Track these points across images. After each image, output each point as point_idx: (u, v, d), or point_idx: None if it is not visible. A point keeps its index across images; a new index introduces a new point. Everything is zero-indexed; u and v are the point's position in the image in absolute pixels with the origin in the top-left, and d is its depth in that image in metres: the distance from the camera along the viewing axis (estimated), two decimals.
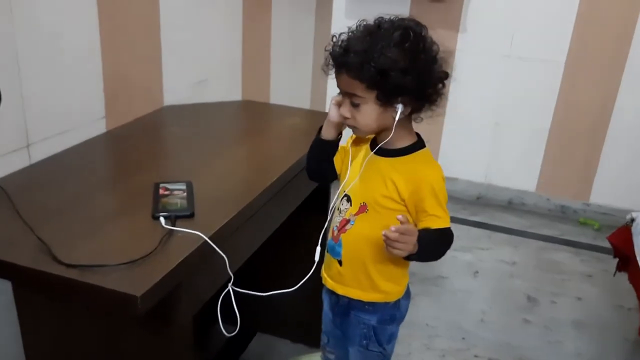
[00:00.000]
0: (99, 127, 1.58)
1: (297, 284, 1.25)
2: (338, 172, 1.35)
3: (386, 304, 1.29)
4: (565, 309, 2.38)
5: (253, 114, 1.93)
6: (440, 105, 1.19)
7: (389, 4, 3.00)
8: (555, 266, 2.70)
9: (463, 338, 2.17)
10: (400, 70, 1.09)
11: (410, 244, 1.10)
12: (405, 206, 1.19)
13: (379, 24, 1.14)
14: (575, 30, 2.83)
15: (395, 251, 1.10)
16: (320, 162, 1.34)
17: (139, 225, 1.15)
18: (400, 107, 1.14)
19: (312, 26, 2.97)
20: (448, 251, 1.23)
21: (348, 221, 1.26)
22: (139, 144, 1.57)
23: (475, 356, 2.09)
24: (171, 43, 1.82)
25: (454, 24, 2.98)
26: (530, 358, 2.08)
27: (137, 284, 0.95)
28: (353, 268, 1.27)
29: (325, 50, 1.18)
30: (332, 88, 2.97)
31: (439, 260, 1.24)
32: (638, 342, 2.19)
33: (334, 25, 3.16)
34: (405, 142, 1.21)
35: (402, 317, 1.34)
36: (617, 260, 2.26)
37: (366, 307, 1.28)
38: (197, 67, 2.01)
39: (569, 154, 3.05)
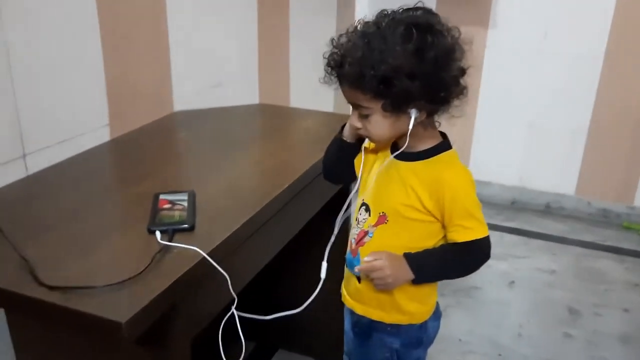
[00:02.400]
0: (102, 136, 1.50)
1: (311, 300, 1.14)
2: (358, 174, 1.24)
3: (411, 325, 1.15)
4: (610, 321, 2.20)
5: (267, 118, 1.82)
6: (462, 105, 1.05)
7: (411, 2, 2.84)
8: (598, 275, 2.51)
9: (499, 354, 2.01)
10: (405, 75, 0.95)
11: (385, 279, 1.07)
12: (432, 215, 1.06)
13: (377, 22, 1.00)
14: (614, 21, 2.65)
15: (379, 287, 1.10)
16: (337, 163, 1.22)
17: (134, 241, 1.05)
18: (414, 113, 1.00)
19: (334, 26, 2.85)
20: None
21: (366, 233, 1.13)
22: (144, 152, 1.48)
23: None
24: (180, 45, 1.73)
25: (484, 20, 2.82)
26: None
27: (122, 309, 0.84)
28: (373, 285, 1.15)
29: (323, 58, 1.06)
30: None
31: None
32: None
33: None
34: (428, 144, 1.08)
35: (431, 341, 1.21)
36: None
37: (389, 328, 1.16)
38: (210, 71, 1.91)
39: (610, 153, 2.85)
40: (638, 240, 2.80)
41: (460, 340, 2.07)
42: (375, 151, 1.19)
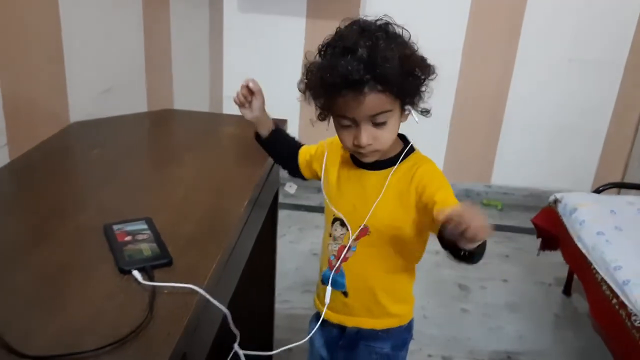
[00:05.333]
0: (0, 158, 1.26)
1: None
2: (305, 176, 1.24)
3: (400, 327, 1.18)
4: (495, 293, 2.43)
5: (179, 126, 1.68)
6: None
7: None
8: None
9: (412, 338, 2.11)
10: (417, 67, 0.99)
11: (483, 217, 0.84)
12: (413, 215, 1.06)
13: (362, 27, 0.99)
14: (470, 19, 2.89)
15: (481, 235, 0.85)
16: (283, 159, 1.26)
17: (106, 285, 0.89)
18: (412, 110, 1.03)
19: (207, 22, 2.73)
20: None
21: (348, 248, 1.11)
22: (56, 174, 1.27)
23: (429, 356, 2.04)
24: (74, 51, 1.51)
25: None
26: (480, 349, 2.09)
27: None
28: (361, 297, 1.14)
29: (305, 80, 1.02)
30: (228, 87, 2.77)
31: None
32: (568, 317, 2.30)
33: (227, 20, 2.94)
34: (396, 149, 1.09)
35: (411, 340, 1.23)
36: (539, 240, 2.35)
37: (380, 334, 1.16)
38: (102, 75, 1.71)
39: (469, 139, 3.13)
40: (497, 214, 3.13)
41: None
42: (333, 160, 1.17)
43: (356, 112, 0.98)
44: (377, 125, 1.00)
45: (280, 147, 1.23)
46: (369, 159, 1.07)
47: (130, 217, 1.07)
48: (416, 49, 1.02)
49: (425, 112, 1.07)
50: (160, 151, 1.47)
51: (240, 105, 1.13)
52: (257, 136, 1.20)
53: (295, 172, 1.25)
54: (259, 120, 1.17)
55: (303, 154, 1.23)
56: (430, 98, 1.07)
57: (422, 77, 1.00)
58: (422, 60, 1.01)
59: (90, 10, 1.60)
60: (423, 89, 1.02)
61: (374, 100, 0.97)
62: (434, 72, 1.03)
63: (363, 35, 0.97)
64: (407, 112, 1.03)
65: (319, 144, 1.21)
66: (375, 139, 1.01)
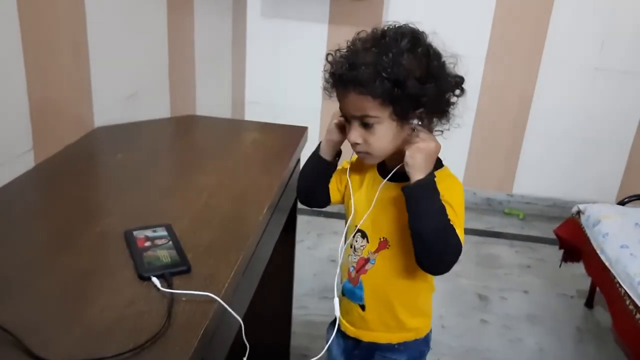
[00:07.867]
0: (26, 163, 1.28)
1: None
2: (332, 200, 1.21)
3: (416, 340, 1.17)
4: (516, 304, 2.40)
5: (202, 132, 1.69)
6: (458, 115, 1.07)
7: (307, 2, 2.80)
8: (494, 260, 2.73)
9: (430, 348, 2.09)
10: (417, 79, 0.96)
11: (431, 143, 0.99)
12: None
13: (383, 32, 1.01)
14: (494, 27, 2.87)
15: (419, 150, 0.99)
16: (317, 184, 1.19)
17: (125, 291, 0.90)
18: (416, 123, 1.01)
19: (230, 28, 2.75)
20: None
21: (367, 260, 1.10)
22: (79, 180, 1.29)
23: None
24: (99, 57, 1.53)
25: None
26: None
27: None
28: (379, 311, 1.14)
29: (324, 71, 1.04)
30: (250, 93, 2.80)
31: None
32: (590, 330, 2.26)
33: (250, 25, 2.96)
34: None
35: (429, 351, 1.23)
36: (562, 251, 2.32)
37: (396, 346, 1.15)
38: (126, 81, 1.73)
39: (491, 148, 3.10)
40: (519, 224, 3.09)
41: None
42: (356, 171, 1.16)
43: (345, 109, 1.02)
44: (366, 127, 1.01)
45: (328, 174, 1.18)
46: (367, 161, 1.09)
47: (151, 222, 1.08)
48: (437, 66, 0.99)
49: (439, 131, 1.06)
50: (183, 157, 1.48)
51: (339, 123, 1.10)
52: (318, 156, 1.15)
53: (315, 203, 1.22)
54: (337, 145, 1.14)
55: (332, 184, 1.20)
56: (451, 120, 1.06)
57: (424, 94, 0.97)
58: (432, 77, 0.98)
59: (116, 17, 1.63)
60: (429, 107, 0.99)
61: (356, 101, 0.99)
62: (447, 95, 1.01)
63: (365, 39, 1.00)
64: (412, 126, 1.01)
65: (341, 165, 1.20)
66: (365, 141, 1.02)
